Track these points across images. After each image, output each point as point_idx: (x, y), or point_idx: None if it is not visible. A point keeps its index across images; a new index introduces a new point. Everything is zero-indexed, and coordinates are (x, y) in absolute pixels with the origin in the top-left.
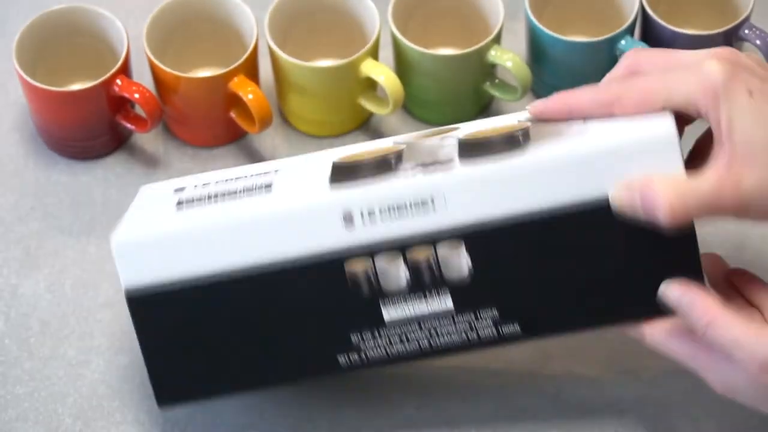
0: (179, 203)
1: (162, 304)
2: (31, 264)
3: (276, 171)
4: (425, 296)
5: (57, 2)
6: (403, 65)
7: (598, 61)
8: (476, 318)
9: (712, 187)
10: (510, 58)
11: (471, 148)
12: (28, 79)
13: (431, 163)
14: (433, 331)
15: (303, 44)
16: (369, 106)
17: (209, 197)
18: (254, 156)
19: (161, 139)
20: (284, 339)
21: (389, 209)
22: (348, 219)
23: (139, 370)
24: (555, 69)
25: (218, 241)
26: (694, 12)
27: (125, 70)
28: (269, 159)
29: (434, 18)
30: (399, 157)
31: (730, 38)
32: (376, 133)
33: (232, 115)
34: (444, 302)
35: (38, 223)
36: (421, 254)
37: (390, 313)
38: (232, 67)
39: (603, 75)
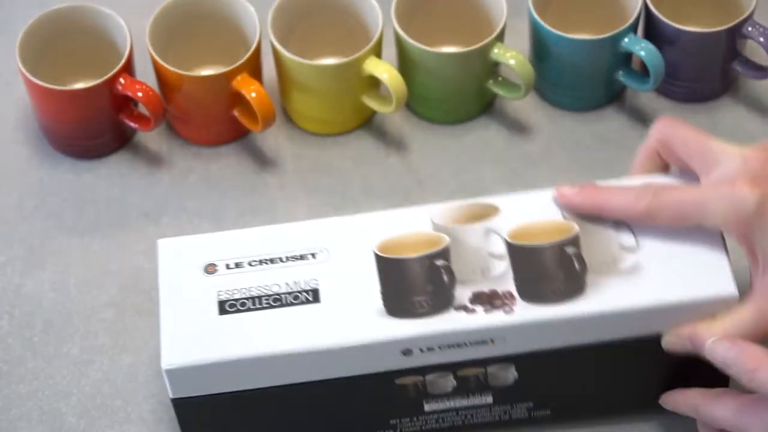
0: (222, 307)
1: (209, 407)
2: (35, 263)
3: (314, 255)
4: (468, 396)
5: (60, 1)
6: (406, 63)
7: (602, 59)
8: (512, 408)
9: (753, 320)
10: (513, 56)
11: (526, 265)
12: (31, 77)
13: (489, 296)
14: (468, 416)
15: (306, 42)
16: (372, 104)
17: (252, 301)
18: (258, 155)
19: (164, 137)
20: (325, 426)
21: (449, 346)
22: (407, 353)
23: (143, 369)
24: (558, 67)
25: (270, 367)
26: (697, 9)
27: (128, 68)
28: (273, 158)
29: (437, 16)
30: (447, 257)
31: (734, 35)
32: (380, 131)
33: (235, 113)
34: (485, 399)
35: (42, 222)
36: (471, 371)
37: (431, 406)
38: (235, 65)
39: (607, 72)
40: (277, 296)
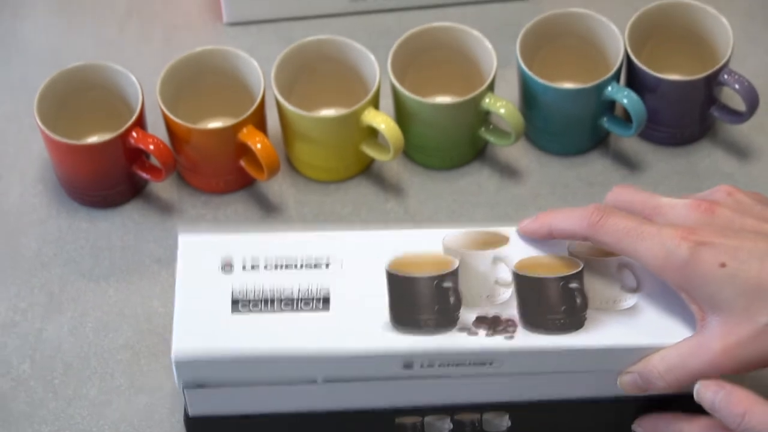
0: (235, 305)
1: (219, 428)
2: (55, 308)
3: (328, 265)
4: None
5: (75, 59)
6: (402, 113)
7: (587, 107)
8: None
9: (691, 351)
10: (503, 106)
11: (530, 295)
12: (49, 133)
13: (493, 320)
14: None
15: (307, 94)
16: (371, 152)
17: (265, 302)
18: (263, 201)
19: (175, 186)
20: None
21: (449, 364)
22: (408, 365)
23: (158, 408)
24: (546, 114)
25: (277, 370)
26: (675, 58)
27: (140, 122)
28: (278, 204)
29: (431, 66)
30: (455, 280)
31: (711, 83)
32: (378, 177)
33: (242, 163)
34: None
35: (61, 269)
36: (467, 417)
37: None
38: (241, 118)
39: (592, 119)
40: (289, 300)
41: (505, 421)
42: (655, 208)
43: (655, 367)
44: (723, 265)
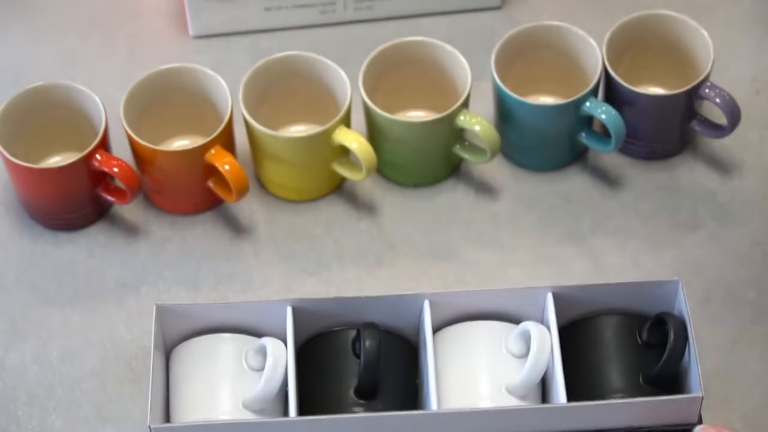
0: None
1: None
2: (18, 335)
3: None
4: None
5: (36, 72)
6: (374, 131)
7: (565, 123)
8: None
9: None
10: (478, 122)
11: None
12: (9, 157)
13: None
14: None
15: (277, 110)
16: (343, 171)
17: None
18: (233, 222)
19: (141, 207)
20: None
21: None
22: None
23: None
24: (522, 130)
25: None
26: (654, 70)
27: (104, 144)
28: (248, 225)
29: (404, 81)
30: None
31: (691, 97)
32: (351, 195)
33: (210, 184)
34: None
35: (23, 295)
36: None
37: None
38: (208, 139)
39: (570, 135)
40: None
41: None
42: None
43: None
44: None
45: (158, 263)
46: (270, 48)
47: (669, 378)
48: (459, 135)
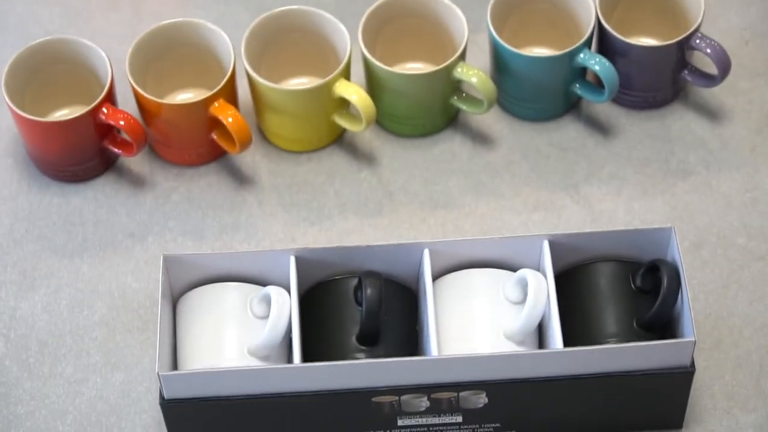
0: None
1: (195, 412)
2: (28, 286)
3: None
4: (439, 415)
5: (42, 33)
6: (373, 83)
7: (559, 74)
8: (480, 427)
9: None
10: (475, 74)
11: None
12: (18, 110)
13: None
14: (438, 430)
15: (278, 64)
16: (343, 123)
17: None
18: (236, 173)
19: (147, 159)
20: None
21: None
22: None
23: (135, 385)
24: (518, 81)
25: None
26: (647, 23)
27: (110, 98)
28: (251, 175)
29: (402, 34)
30: None
31: (683, 48)
32: (351, 146)
33: (214, 136)
34: (455, 419)
35: (33, 245)
36: (444, 395)
37: (404, 421)
38: (212, 92)
39: (564, 86)
40: None
41: (482, 398)
42: None
43: None
44: None
45: (164, 214)
46: (269, 3)
47: (662, 323)
48: (456, 86)
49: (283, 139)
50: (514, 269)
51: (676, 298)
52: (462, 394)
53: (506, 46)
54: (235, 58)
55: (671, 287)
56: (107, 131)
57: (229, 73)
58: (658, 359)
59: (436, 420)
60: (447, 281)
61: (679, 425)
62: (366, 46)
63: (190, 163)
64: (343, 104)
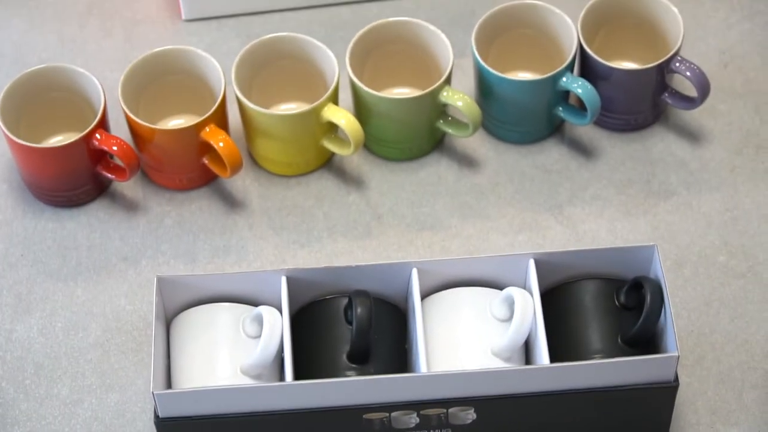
0: None
1: (189, 429)
2: (24, 309)
3: None
4: (429, 431)
5: (36, 57)
6: (361, 107)
7: (543, 97)
8: None
9: None
10: (460, 98)
11: None
12: (13, 137)
13: None
14: None
15: (268, 89)
16: (332, 147)
17: None
18: (227, 197)
19: (140, 184)
20: None
21: None
22: None
23: (130, 405)
24: (503, 105)
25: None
26: (628, 48)
27: (103, 124)
28: (242, 199)
29: (389, 59)
30: None
31: (663, 71)
32: (340, 170)
33: (205, 161)
34: None
35: (28, 270)
36: (433, 412)
37: None
38: (202, 118)
39: (547, 109)
40: None
41: (471, 414)
42: None
43: None
44: None
45: (157, 238)
46: (260, 30)
47: (646, 339)
48: (442, 110)
49: (273, 163)
50: (500, 287)
51: (660, 314)
52: (451, 410)
53: (491, 70)
54: (225, 84)
55: (654, 303)
56: (100, 157)
57: (219, 99)
58: (642, 374)
59: None
60: (435, 300)
61: None
62: (354, 71)
63: (182, 188)
64: (332, 129)
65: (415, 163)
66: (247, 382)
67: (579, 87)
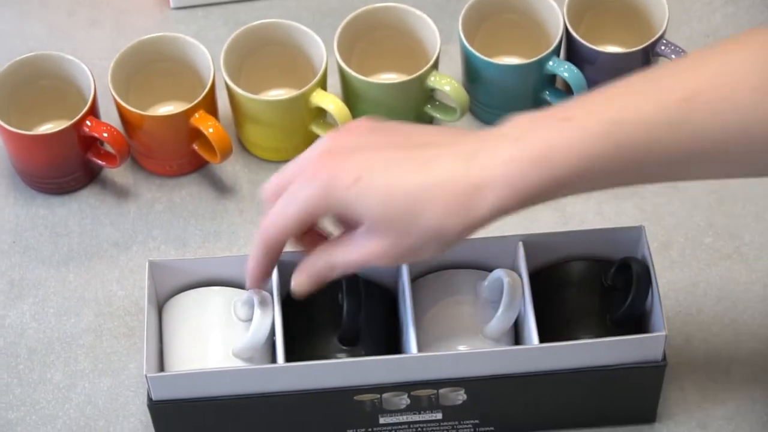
0: None
1: (183, 412)
2: (16, 295)
3: None
4: (419, 412)
5: (26, 49)
6: (349, 92)
7: (529, 81)
8: (459, 423)
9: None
10: (448, 83)
11: None
12: (3, 124)
13: None
14: (419, 429)
15: (256, 76)
16: (320, 132)
17: None
18: (217, 183)
19: (130, 170)
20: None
21: None
22: None
23: (122, 390)
24: (489, 89)
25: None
26: (613, 31)
27: (94, 111)
28: (232, 185)
29: (377, 45)
30: None
31: (648, 54)
32: None
33: (195, 147)
34: (435, 416)
35: (20, 256)
36: (424, 393)
37: (386, 419)
38: (192, 103)
39: (534, 93)
40: None
41: (461, 395)
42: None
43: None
44: (358, 179)
45: (147, 223)
46: (247, 17)
47: (634, 319)
48: (430, 95)
49: (262, 149)
50: (489, 270)
51: (647, 293)
52: (441, 391)
53: (477, 54)
54: (214, 70)
55: (642, 284)
56: (91, 144)
57: (208, 86)
58: (631, 353)
59: (416, 417)
60: (425, 282)
61: (652, 419)
62: (341, 57)
63: (172, 174)
64: (321, 114)
65: None
66: (238, 364)
67: (565, 71)
